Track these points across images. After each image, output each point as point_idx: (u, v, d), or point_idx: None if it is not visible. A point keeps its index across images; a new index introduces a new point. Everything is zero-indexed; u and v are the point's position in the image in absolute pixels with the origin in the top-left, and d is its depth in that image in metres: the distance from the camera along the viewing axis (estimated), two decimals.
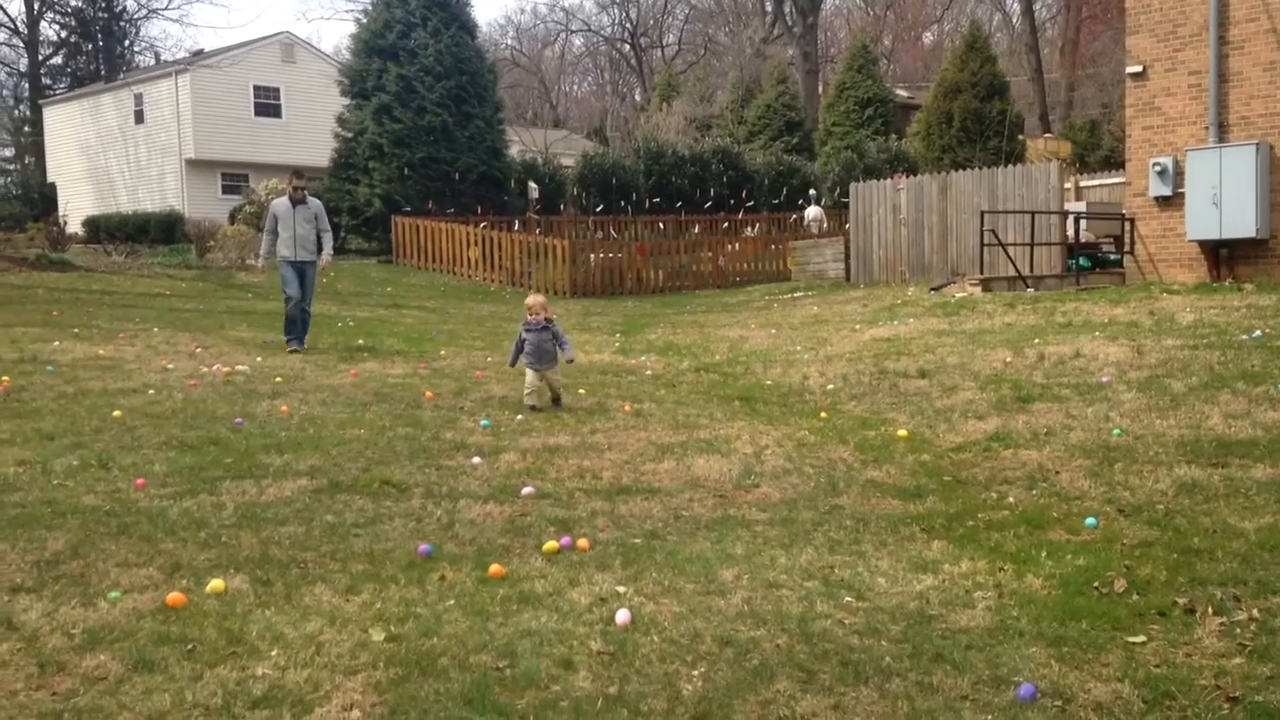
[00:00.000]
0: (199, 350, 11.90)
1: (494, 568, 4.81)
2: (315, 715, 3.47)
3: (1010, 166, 20.44)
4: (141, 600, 4.39)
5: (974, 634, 4.14)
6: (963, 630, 4.19)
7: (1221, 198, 15.27)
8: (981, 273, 17.19)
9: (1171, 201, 16.24)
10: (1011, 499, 6.05)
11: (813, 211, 29.81)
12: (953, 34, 55.84)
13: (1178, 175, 16.10)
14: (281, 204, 12.52)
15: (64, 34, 50.90)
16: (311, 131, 34.34)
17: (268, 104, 36.88)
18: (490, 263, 24.84)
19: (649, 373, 11.46)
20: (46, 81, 49.27)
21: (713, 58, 63.30)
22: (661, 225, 29.66)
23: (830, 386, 9.94)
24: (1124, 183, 18.44)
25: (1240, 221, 15.21)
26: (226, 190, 36.07)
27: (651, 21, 68.62)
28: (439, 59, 27.93)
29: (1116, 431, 7.29)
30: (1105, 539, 5.22)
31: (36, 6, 48.30)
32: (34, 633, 4.05)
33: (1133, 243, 16.94)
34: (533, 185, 30.18)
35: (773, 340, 13.85)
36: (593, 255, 24.26)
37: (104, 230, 31.30)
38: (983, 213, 17.82)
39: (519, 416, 8.52)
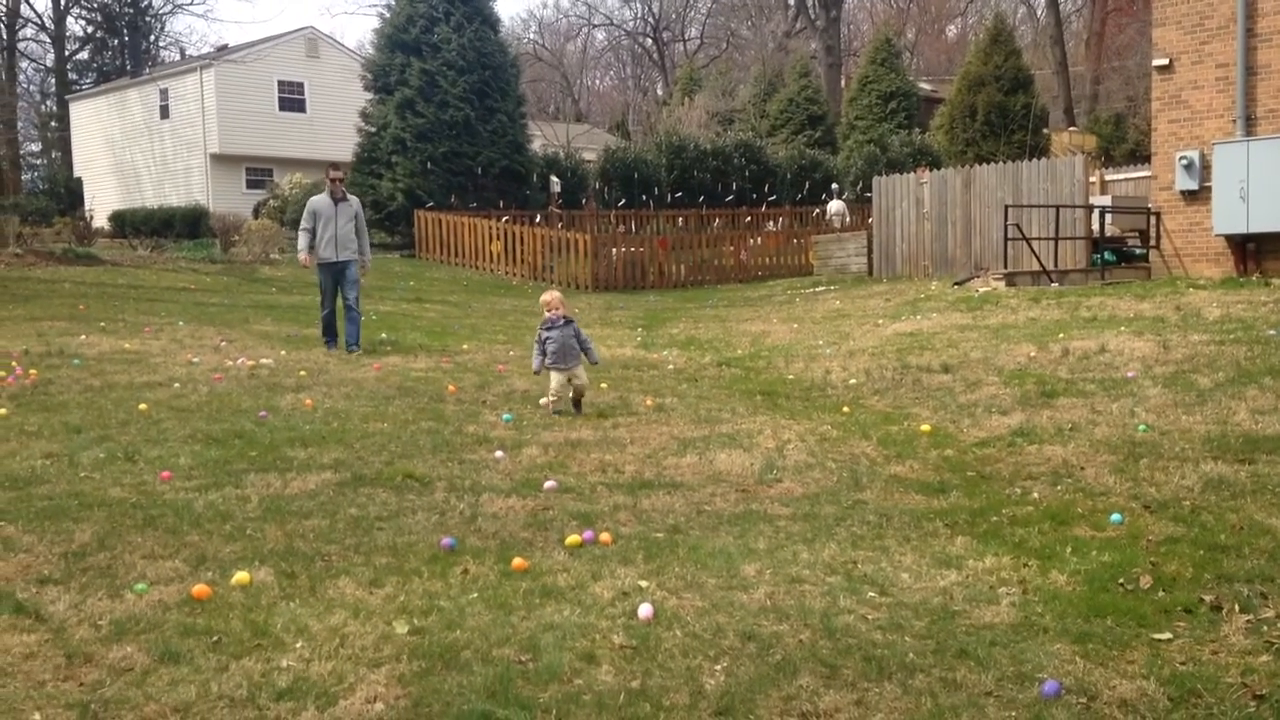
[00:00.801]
0: (224, 344, 11.98)
1: (517, 561, 4.83)
2: (339, 707, 3.48)
3: (1035, 160, 20.28)
4: (167, 592, 4.43)
5: (998, 630, 4.12)
6: (987, 626, 4.17)
7: (1249, 191, 15.13)
8: (1005, 267, 17.08)
9: (1198, 195, 16.10)
10: (1036, 494, 6.02)
11: (835, 206, 29.76)
12: (976, 27, 55.48)
13: (1204, 169, 15.96)
14: (323, 201, 11.78)
15: (90, 29, 51.22)
16: (335, 126, 34.47)
17: (292, 99, 37.03)
18: (512, 257, 24.86)
19: (671, 367, 11.46)
20: (73, 76, 49.58)
21: (735, 51, 63.17)
22: (683, 219, 29.62)
23: (853, 381, 9.91)
24: (1150, 176, 18.30)
25: (1268, 215, 15.07)
26: (251, 185, 36.26)
27: (674, 15, 68.55)
28: (462, 53, 27.96)
29: (1142, 427, 7.24)
30: (1130, 535, 5.19)
31: (63, 2, 48.61)
32: (61, 624, 4.09)
33: (1158, 237, 16.81)
34: (555, 179, 30.16)
35: (795, 335, 13.82)
36: (614, 249, 24.23)
37: (129, 225, 31.59)
38: (1007, 207, 17.71)
39: (542, 400, 8.60)
